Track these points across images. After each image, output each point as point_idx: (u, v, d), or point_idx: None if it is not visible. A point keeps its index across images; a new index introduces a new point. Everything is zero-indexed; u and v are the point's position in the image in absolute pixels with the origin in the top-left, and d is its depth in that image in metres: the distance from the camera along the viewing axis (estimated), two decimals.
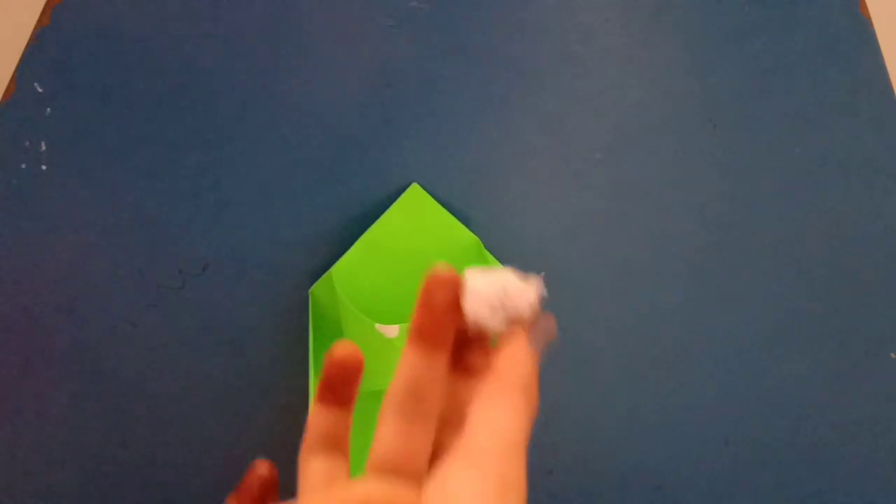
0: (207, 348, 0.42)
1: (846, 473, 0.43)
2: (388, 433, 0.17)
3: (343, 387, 0.19)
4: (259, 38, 0.40)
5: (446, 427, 0.18)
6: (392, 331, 0.33)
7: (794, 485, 0.43)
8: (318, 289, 0.41)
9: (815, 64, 0.41)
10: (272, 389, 0.42)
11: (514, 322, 0.18)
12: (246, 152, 0.41)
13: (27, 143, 0.41)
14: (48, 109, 0.41)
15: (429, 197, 0.40)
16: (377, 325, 0.33)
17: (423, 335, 0.17)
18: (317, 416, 0.19)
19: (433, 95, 0.41)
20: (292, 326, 0.42)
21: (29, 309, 0.42)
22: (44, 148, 0.41)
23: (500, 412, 0.16)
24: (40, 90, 0.41)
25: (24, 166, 0.41)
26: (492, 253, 0.41)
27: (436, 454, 0.17)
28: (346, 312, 0.36)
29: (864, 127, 0.41)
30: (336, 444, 0.19)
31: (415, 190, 0.40)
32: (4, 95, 0.41)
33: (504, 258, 0.42)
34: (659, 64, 0.41)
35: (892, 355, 0.43)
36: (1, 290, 0.42)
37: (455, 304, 0.17)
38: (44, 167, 0.41)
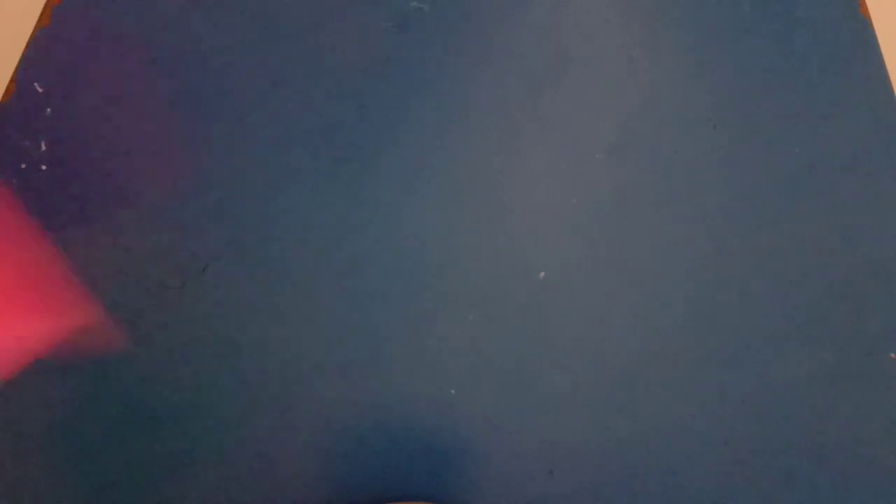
0: (207, 348, 0.42)
1: (846, 474, 0.43)
2: None
3: None
4: (259, 39, 0.40)
5: None
6: None
7: (793, 485, 0.43)
8: None
9: (815, 64, 0.41)
10: (272, 389, 0.42)
11: None
12: (246, 152, 0.41)
13: (27, 143, 0.41)
14: (48, 109, 0.41)
15: None
16: None
17: None
18: None
19: (433, 96, 0.41)
20: (292, 326, 0.42)
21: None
22: (44, 148, 0.41)
23: None
24: (40, 90, 0.41)
25: (24, 166, 0.41)
26: (493, 253, 0.41)
27: None
28: None
29: (864, 127, 0.41)
30: None
31: None
32: (4, 95, 0.41)
33: (504, 258, 0.41)
34: (659, 64, 0.41)
35: (892, 355, 0.43)
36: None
37: None
38: (44, 167, 0.41)
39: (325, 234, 0.41)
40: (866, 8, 0.40)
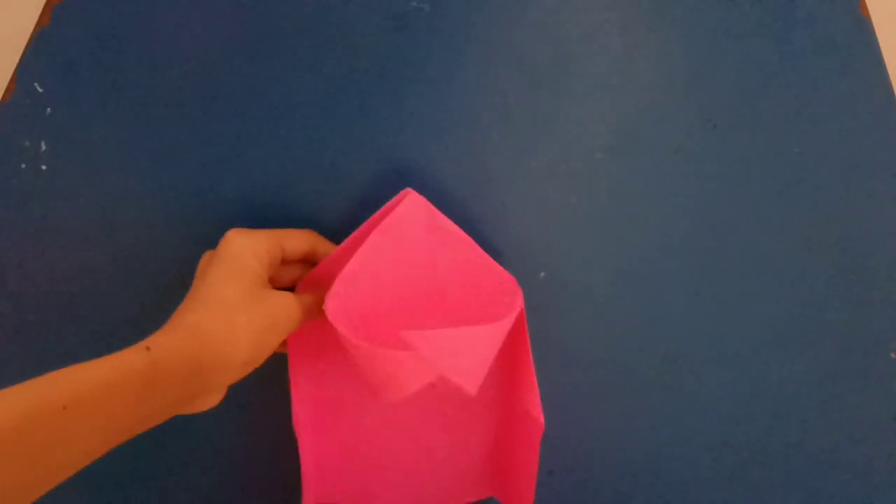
0: None
1: (846, 474, 0.43)
2: None
3: None
4: (259, 39, 0.40)
5: None
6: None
7: (793, 486, 0.43)
8: None
9: (815, 64, 0.41)
10: (272, 387, 0.42)
11: None
12: (246, 152, 0.41)
13: (27, 143, 0.41)
14: (48, 109, 0.41)
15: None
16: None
17: None
18: None
19: (433, 96, 0.41)
20: None
21: (29, 309, 0.42)
22: (44, 148, 0.41)
23: None
24: (40, 90, 0.41)
25: (24, 166, 0.41)
26: (492, 253, 0.41)
27: None
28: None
29: (864, 127, 0.41)
30: None
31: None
32: (4, 95, 0.41)
33: (504, 258, 0.42)
34: (659, 64, 0.41)
35: (893, 355, 0.43)
36: (1, 290, 0.42)
37: None
38: (44, 167, 0.41)
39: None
40: (866, 8, 0.40)
